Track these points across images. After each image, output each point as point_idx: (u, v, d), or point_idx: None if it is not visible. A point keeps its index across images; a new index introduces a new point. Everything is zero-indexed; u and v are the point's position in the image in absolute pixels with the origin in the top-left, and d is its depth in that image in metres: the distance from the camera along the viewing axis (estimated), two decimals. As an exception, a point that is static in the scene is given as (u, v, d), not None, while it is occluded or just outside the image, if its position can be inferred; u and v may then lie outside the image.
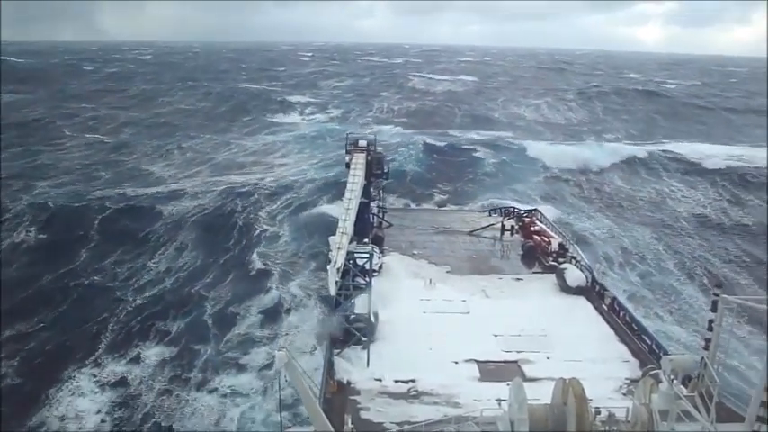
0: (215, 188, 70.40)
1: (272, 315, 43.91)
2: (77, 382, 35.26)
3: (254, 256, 52.91)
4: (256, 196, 67.83)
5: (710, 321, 17.10)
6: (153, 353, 38.64)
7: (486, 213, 60.39)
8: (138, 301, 44.73)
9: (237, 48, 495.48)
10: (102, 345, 39.42)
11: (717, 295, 16.71)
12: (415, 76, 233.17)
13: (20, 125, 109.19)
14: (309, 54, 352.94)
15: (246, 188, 70.63)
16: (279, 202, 67.55)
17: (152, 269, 50.44)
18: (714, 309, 16.81)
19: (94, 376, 36.03)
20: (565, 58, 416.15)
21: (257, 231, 58.77)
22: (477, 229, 55.05)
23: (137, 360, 37.84)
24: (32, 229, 55.83)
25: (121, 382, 35.58)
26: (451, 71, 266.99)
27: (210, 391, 34.80)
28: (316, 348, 36.22)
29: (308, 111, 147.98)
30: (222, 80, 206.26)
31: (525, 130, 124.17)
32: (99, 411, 33.11)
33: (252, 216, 62.30)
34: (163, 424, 32.13)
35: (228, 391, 34.90)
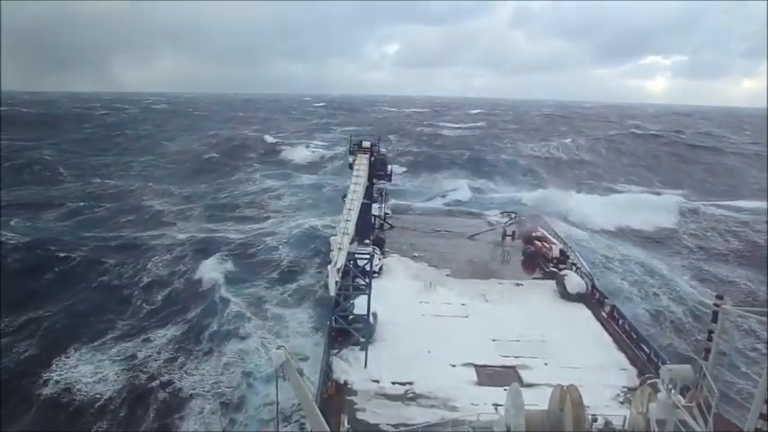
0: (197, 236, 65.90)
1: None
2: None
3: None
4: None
5: (710, 332, 17.07)
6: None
7: (492, 217, 60.74)
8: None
9: (249, 98, 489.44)
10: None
11: (717, 306, 16.67)
12: (425, 125, 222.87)
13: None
14: (320, 104, 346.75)
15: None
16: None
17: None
18: (714, 319, 16.78)
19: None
20: (578, 109, 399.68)
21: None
22: (478, 233, 55.10)
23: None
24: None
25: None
26: (462, 120, 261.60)
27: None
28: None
29: (314, 147, 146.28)
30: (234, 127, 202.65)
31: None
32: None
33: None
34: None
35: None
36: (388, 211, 59.30)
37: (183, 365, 37.20)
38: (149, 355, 38.30)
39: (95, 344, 39.90)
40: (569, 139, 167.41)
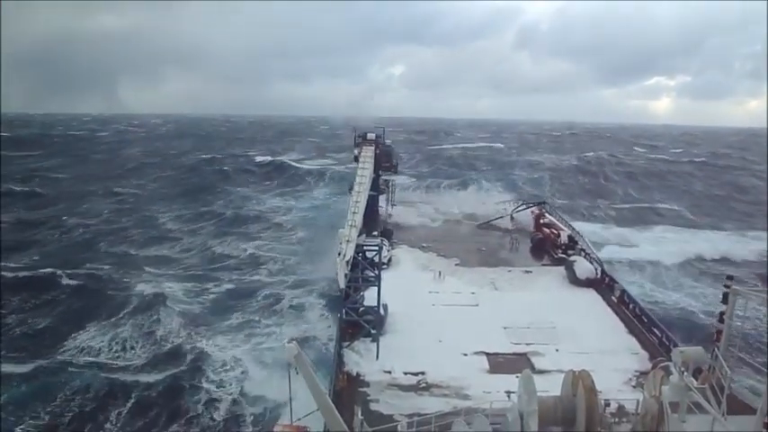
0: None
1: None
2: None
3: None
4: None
5: (721, 313, 17.04)
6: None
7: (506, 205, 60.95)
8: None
9: (254, 119, 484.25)
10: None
11: (728, 287, 16.64)
12: (433, 145, 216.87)
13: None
14: (326, 127, 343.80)
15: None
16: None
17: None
18: (725, 300, 16.74)
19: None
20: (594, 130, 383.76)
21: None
22: (487, 222, 55.12)
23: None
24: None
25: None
26: (470, 139, 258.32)
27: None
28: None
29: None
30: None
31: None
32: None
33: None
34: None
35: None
36: (395, 203, 59.46)
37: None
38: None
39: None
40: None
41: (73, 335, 41.54)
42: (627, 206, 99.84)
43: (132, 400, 33.16)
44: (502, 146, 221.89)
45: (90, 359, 38.27)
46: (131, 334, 41.57)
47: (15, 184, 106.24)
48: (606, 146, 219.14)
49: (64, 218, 79.09)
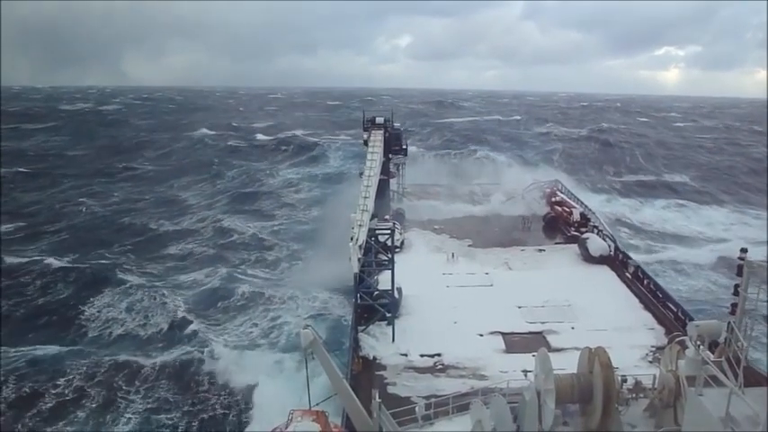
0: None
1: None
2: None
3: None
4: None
5: (736, 286, 16.95)
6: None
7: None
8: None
9: (257, 93, 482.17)
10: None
11: (742, 260, 16.54)
12: (442, 118, 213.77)
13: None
14: (337, 102, 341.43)
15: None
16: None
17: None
18: (740, 273, 16.65)
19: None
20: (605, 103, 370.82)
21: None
22: (502, 202, 54.98)
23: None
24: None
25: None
26: (479, 111, 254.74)
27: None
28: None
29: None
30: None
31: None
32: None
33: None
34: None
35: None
36: (407, 186, 59.35)
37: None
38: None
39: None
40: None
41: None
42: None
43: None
44: (519, 117, 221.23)
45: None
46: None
47: (28, 162, 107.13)
48: (621, 119, 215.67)
49: (81, 199, 79.74)
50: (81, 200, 79.24)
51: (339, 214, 40.56)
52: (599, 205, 64.68)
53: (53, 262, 52.00)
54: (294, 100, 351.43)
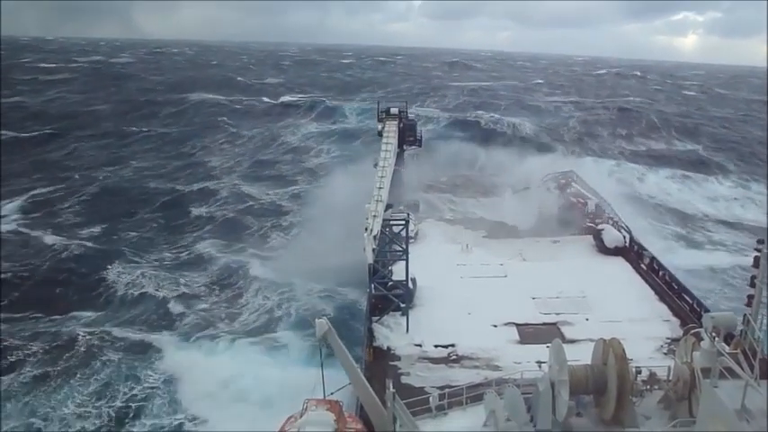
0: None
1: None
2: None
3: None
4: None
5: (753, 277, 16.86)
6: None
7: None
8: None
9: (274, 48, 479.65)
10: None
11: (759, 251, 16.43)
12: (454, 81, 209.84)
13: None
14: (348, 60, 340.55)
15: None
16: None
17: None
18: (756, 264, 16.54)
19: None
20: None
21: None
22: (517, 192, 54.75)
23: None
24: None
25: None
26: (492, 76, 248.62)
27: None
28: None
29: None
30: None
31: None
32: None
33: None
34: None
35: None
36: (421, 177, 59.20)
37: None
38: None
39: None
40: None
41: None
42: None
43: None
44: (542, 81, 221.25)
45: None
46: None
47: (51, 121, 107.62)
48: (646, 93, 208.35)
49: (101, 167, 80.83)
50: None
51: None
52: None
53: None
54: (308, 57, 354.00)
